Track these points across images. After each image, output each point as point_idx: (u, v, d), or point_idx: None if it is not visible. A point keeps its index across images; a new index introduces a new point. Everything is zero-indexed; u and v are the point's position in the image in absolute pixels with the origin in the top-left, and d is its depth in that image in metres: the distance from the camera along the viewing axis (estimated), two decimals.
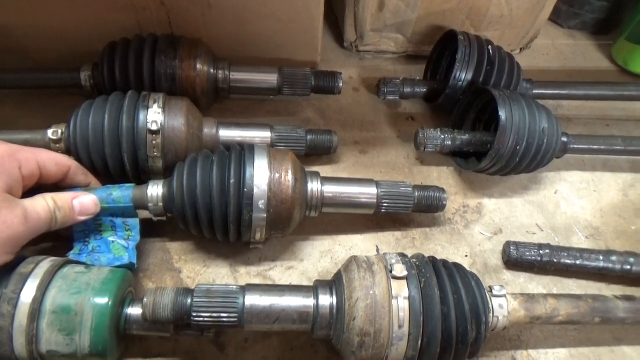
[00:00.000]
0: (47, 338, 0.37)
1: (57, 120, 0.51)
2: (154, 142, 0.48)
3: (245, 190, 0.44)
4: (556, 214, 0.57)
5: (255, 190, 0.44)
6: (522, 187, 0.59)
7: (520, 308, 0.42)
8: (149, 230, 0.49)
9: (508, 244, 0.51)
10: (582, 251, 0.51)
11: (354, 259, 0.41)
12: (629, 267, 0.49)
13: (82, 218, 0.44)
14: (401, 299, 0.38)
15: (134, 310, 0.41)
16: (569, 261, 0.50)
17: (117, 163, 0.49)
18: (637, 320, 0.44)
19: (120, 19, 0.58)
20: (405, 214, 0.53)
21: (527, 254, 0.50)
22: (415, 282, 0.39)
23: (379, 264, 0.40)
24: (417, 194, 0.51)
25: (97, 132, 0.48)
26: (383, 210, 0.51)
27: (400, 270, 0.39)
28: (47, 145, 0.50)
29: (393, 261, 0.40)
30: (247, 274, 0.50)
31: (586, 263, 0.50)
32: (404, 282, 0.39)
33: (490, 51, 0.59)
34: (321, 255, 0.52)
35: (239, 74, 0.59)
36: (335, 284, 0.41)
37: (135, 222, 0.48)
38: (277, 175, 0.45)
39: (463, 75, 0.58)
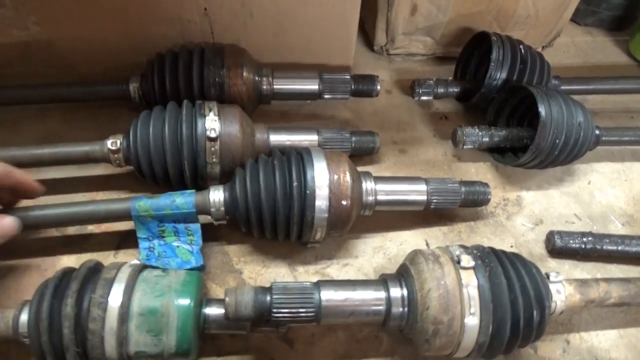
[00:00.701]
0: (136, 339, 0.39)
1: (103, 133, 0.52)
2: (212, 149, 0.50)
3: (308, 192, 0.46)
4: (592, 203, 0.60)
5: (317, 192, 0.46)
6: (557, 179, 0.62)
7: (576, 292, 0.45)
8: (206, 234, 0.51)
9: (552, 233, 0.54)
10: (622, 237, 0.53)
11: (419, 252, 0.43)
12: None
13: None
14: (471, 287, 0.40)
15: (211, 310, 0.43)
16: (611, 247, 0.53)
17: (176, 170, 0.51)
18: None
19: (166, 31, 0.60)
20: (452, 209, 0.55)
21: (571, 242, 0.53)
22: (482, 271, 0.41)
23: (444, 255, 0.42)
24: (463, 189, 0.53)
25: (157, 141, 0.50)
26: (432, 206, 0.53)
27: (467, 260, 0.41)
28: (106, 156, 0.52)
29: (458, 252, 0.42)
30: (306, 272, 0.52)
31: (627, 248, 0.53)
32: (472, 271, 0.41)
33: (522, 50, 0.62)
34: (374, 252, 0.54)
35: (281, 80, 0.61)
36: (403, 276, 0.43)
37: (196, 227, 0.50)
38: (335, 176, 0.47)
39: (498, 74, 0.61)
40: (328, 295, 0.41)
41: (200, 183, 0.53)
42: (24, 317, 0.40)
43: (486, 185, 0.55)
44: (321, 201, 0.46)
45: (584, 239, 0.53)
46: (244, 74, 0.58)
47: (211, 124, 0.50)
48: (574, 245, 0.53)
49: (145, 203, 0.48)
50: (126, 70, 0.62)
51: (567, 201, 0.60)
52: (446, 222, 0.57)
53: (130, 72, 0.62)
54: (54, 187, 0.55)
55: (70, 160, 0.52)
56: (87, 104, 0.63)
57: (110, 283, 0.40)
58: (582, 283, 0.45)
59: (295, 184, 0.46)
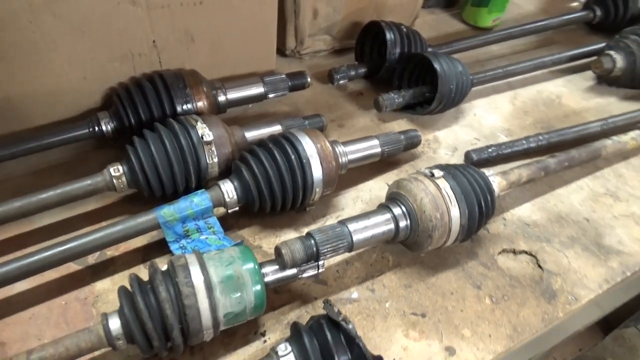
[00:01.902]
0: (223, 303, 0.46)
1: (73, 176, 0.57)
2: (210, 151, 0.59)
3: (304, 161, 0.58)
4: (482, 128, 0.81)
5: (311, 159, 0.58)
6: (454, 118, 0.82)
7: (502, 179, 0.63)
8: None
9: (468, 152, 0.73)
10: (513, 141, 0.74)
11: (401, 180, 0.58)
12: (544, 141, 0.74)
13: None
14: (447, 188, 0.55)
15: (266, 270, 0.51)
16: (507, 150, 0.73)
17: (183, 177, 0.58)
18: (561, 167, 0.69)
19: (119, 67, 0.66)
20: (398, 154, 0.71)
21: (483, 154, 0.72)
22: (449, 177, 0.57)
23: (419, 175, 0.58)
24: (402, 137, 0.70)
25: (161, 155, 0.57)
26: (385, 155, 0.68)
27: (437, 172, 0.57)
28: (109, 183, 0.57)
29: (428, 170, 0.58)
30: None
31: (517, 148, 0.74)
32: (443, 179, 0.56)
33: (404, 29, 0.81)
34: (354, 202, 0.67)
35: (232, 90, 0.70)
36: (396, 199, 0.57)
37: (214, 220, 0.58)
38: (319, 145, 0.60)
39: (395, 49, 0.79)
40: (353, 227, 0.53)
41: (203, 185, 0.60)
42: (114, 322, 0.44)
43: (416, 130, 0.72)
44: (315, 166, 0.58)
45: (490, 150, 0.72)
46: (204, 89, 0.66)
47: (203, 130, 0.59)
48: (486, 155, 0.72)
49: (168, 209, 0.55)
50: (82, 112, 0.67)
51: (466, 131, 0.80)
52: (394, 167, 0.72)
53: (87, 113, 0.66)
54: (54, 232, 0.58)
55: (76, 197, 0.56)
56: (48, 152, 0.65)
57: (185, 267, 0.47)
58: (503, 173, 0.64)
59: (293, 157, 0.57)
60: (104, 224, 0.59)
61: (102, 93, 0.67)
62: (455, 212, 0.55)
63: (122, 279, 0.55)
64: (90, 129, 0.63)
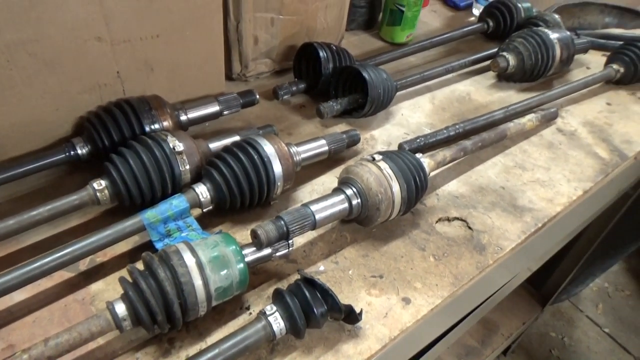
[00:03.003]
0: (213, 279, 0.54)
1: (50, 197, 0.62)
2: (182, 160, 0.67)
3: (266, 159, 0.67)
4: (409, 124, 0.94)
5: (271, 158, 0.67)
6: (385, 119, 0.95)
7: (431, 160, 0.76)
8: None
9: (401, 144, 0.85)
10: (436, 132, 0.88)
11: (348, 166, 0.69)
12: (460, 129, 0.88)
13: None
14: (387, 168, 0.67)
15: (245, 252, 0.60)
16: (434, 139, 0.87)
17: (159, 185, 0.66)
18: (476, 147, 0.83)
19: (88, 98, 0.72)
20: (342, 151, 0.82)
21: (413, 144, 0.85)
22: (388, 160, 0.68)
23: (363, 161, 0.69)
24: (344, 136, 0.81)
25: (139, 167, 0.64)
26: (332, 153, 0.79)
27: (377, 156, 0.68)
28: (93, 197, 0.63)
29: (370, 156, 0.69)
30: None
31: (440, 137, 0.88)
32: (382, 161, 0.68)
33: (334, 47, 0.94)
34: (310, 194, 0.77)
35: (191, 110, 0.79)
36: (347, 181, 0.68)
37: (192, 219, 0.66)
38: (276, 146, 0.69)
39: (328, 65, 0.91)
40: (315, 207, 0.63)
41: (178, 191, 0.68)
42: (120, 307, 0.51)
43: (356, 130, 0.84)
44: (275, 163, 0.68)
45: (418, 140, 0.86)
46: (168, 110, 0.75)
47: (173, 143, 0.67)
48: (415, 145, 0.85)
49: (151, 212, 0.62)
50: (53, 142, 0.73)
51: (396, 128, 0.93)
52: (340, 162, 0.83)
53: (56, 143, 0.73)
54: (43, 248, 0.63)
55: (64, 212, 0.62)
56: (25, 180, 0.70)
57: (177, 252, 0.54)
58: (431, 155, 0.77)
59: (255, 157, 0.67)
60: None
61: (72, 122, 0.73)
62: (396, 187, 0.67)
63: (113, 279, 0.61)
64: (67, 154, 0.69)
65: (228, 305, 0.59)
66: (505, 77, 1.11)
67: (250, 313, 0.60)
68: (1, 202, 0.69)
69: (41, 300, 0.58)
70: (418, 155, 0.75)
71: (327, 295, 0.54)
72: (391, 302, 0.63)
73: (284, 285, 0.63)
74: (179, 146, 0.67)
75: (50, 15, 0.63)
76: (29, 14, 0.61)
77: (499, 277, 0.81)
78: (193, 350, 0.55)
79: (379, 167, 0.67)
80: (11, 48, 0.62)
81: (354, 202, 0.66)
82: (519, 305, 1.65)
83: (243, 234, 0.69)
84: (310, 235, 0.70)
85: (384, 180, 0.66)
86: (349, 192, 0.66)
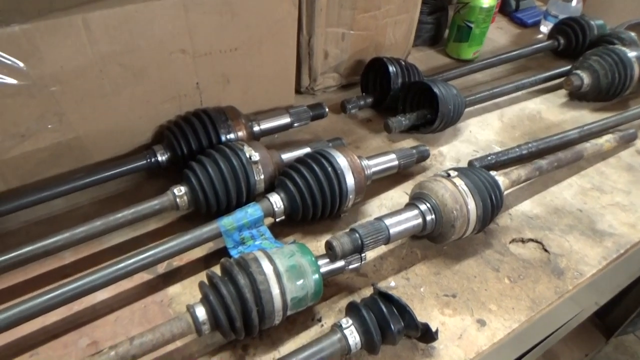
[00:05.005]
0: (290, 288, 0.54)
1: (129, 202, 0.64)
2: (257, 169, 0.68)
3: (339, 172, 0.67)
4: (478, 142, 0.92)
5: (344, 171, 0.68)
6: (453, 135, 0.94)
7: (505, 179, 0.74)
8: None
9: (471, 161, 0.83)
10: (508, 150, 0.86)
11: (421, 182, 0.68)
12: (533, 148, 0.85)
13: None
14: (462, 185, 0.65)
15: (319, 262, 0.60)
16: (505, 157, 0.84)
17: (235, 193, 0.67)
18: (551, 167, 0.80)
19: (169, 108, 0.76)
20: (411, 166, 0.81)
21: (484, 161, 0.83)
22: (463, 176, 0.67)
23: (437, 177, 0.68)
24: (414, 151, 0.80)
25: (217, 175, 0.66)
26: (402, 168, 0.78)
27: (453, 172, 0.67)
28: (173, 202, 0.66)
29: (444, 172, 0.68)
30: None
31: (512, 155, 0.85)
32: (458, 177, 0.66)
33: (403, 63, 0.94)
34: (379, 209, 0.76)
35: (264, 121, 0.81)
36: (420, 197, 0.67)
37: (265, 228, 0.67)
38: (349, 159, 0.69)
39: (398, 80, 0.91)
40: (389, 222, 0.62)
41: (251, 200, 0.69)
42: (200, 310, 0.52)
43: (425, 145, 0.83)
44: (348, 176, 0.68)
45: (489, 157, 0.83)
46: (243, 121, 0.77)
47: (250, 152, 0.68)
48: (486, 162, 0.83)
49: (227, 219, 0.64)
50: (134, 149, 0.76)
51: (465, 145, 0.91)
52: (409, 178, 0.82)
53: (136, 150, 0.76)
54: (123, 250, 0.66)
55: (146, 216, 0.64)
56: (108, 184, 0.73)
57: (256, 260, 0.55)
58: (505, 173, 0.75)
59: (329, 169, 0.67)
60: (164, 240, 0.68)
61: (153, 130, 0.76)
62: (471, 205, 0.65)
63: (190, 283, 0.63)
64: (147, 160, 0.72)
65: (300, 316, 0.59)
66: (577, 96, 1.06)
67: (322, 325, 0.59)
68: (85, 204, 0.73)
69: (122, 300, 0.60)
70: (493, 173, 0.73)
71: (404, 311, 0.53)
72: (465, 323, 0.61)
73: (355, 298, 0.62)
74: (255, 156, 0.68)
75: (141, 28, 0.66)
76: (122, 27, 0.65)
77: (575, 304, 0.77)
78: (266, 358, 0.55)
79: (454, 184, 0.66)
80: (105, 59, 0.65)
81: (428, 217, 0.65)
82: (582, 336, 1.56)
83: (313, 245, 0.69)
84: (381, 249, 0.69)
85: (460, 197, 0.64)
86: (423, 207, 0.65)
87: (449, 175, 0.67)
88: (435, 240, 0.68)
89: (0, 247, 0.58)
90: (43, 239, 0.59)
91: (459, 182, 0.66)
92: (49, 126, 0.67)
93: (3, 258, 0.56)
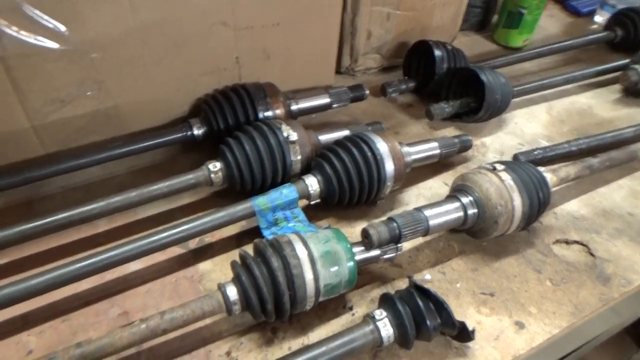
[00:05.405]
0: (323, 275, 0.53)
1: (164, 174, 0.64)
2: (294, 150, 0.66)
3: (378, 157, 0.65)
4: (524, 135, 0.88)
5: (384, 156, 0.65)
6: (497, 126, 0.89)
7: (553, 176, 0.70)
8: None
9: (516, 155, 0.79)
10: (556, 145, 0.81)
11: (464, 174, 0.65)
12: (584, 145, 0.81)
13: None
14: (509, 180, 0.62)
15: (354, 250, 0.58)
16: (553, 152, 0.80)
17: (271, 172, 0.66)
18: (603, 167, 0.76)
19: (208, 81, 0.74)
20: (452, 156, 0.78)
21: (530, 156, 0.79)
22: (510, 170, 0.63)
23: (482, 169, 0.64)
24: (456, 140, 0.77)
25: (254, 153, 0.64)
26: (442, 157, 0.75)
27: (499, 167, 0.64)
28: (207, 177, 0.64)
29: (490, 165, 0.65)
30: None
31: (560, 151, 0.81)
32: (504, 172, 0.63)
33: (449, 47, 0.90)
34: (416, 198, 0.74)
35: (302, 100, 0.79)
36: (462, 189, 0.63)
37: (299, 210, 0.65)
38: (390, 144, 0.67)
39: (443, 65, 0.87)
40: (428, 213, 0.60)
41: (286, 181, 0.67)
42: (231, 290, 0.51)
43: (467, 135, 0.79)
44: (388, 162, 0.65)
45: (536, 152, 0.79)
46: (281, 99, 0.74)
47: (288, 132, 0.66)
48: (532, 157, 0.79)
49: (262, 199, 0.62)
50: (170, 121, 0.75)
51: (510, 137, 0.87)
52: (449, 168, 0.79)
53: (173, 122, 0.75)
54: (155, 222, 0.65)
55: (180, 189, 0.63)
56: (143, 154, 0.72)
57: (290, 243, 0.53)
58: (554, 170, 0.71)
59: (369, 154, 0.65)
60: (198, 215, 0.67)
61: (190, 103, 0.75)
62: (517, 201, 0.61)
63: (221, 261, 0.62)
64: (184, 133, 0.71)
65: (331, 303, 0.58)
66: (633, 93, 1.00)
67: (353, 314, 0.58)
68: (120, 173, 0.72)
69: (154, 272, 0.60)
70: (540, 168, 0.69)
71: (441, 308, 0.51)
72: (503, 324, 0.58)
73: (388, 289, 0.60)
74: (293, 135, 0.66)
75: None
76: None
77: (617, 314, 0.73)
78: (295, 343, 0.54)
79: (500, 178, 0.62)
80: (147, 27, 0.64)
81: (470, 211, 0.62)
82: (613, 342, 1.50)
83: (347, 231, 0.67)
84: (417, 240, 0.66)
85: (505, 192, 0.61)
86: (465, 200, 0.62)
87: (494, 168, 0.64)
88: (475, 235, 0.66)
89: (37, 211, 0.58)
90: (79, 206, 0.59)
91: (505, 176, 0.62)
92: (88, 93, 0.66)
93: (40, 222, 0.57)
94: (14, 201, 0.66)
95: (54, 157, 0.68)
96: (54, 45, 0.61)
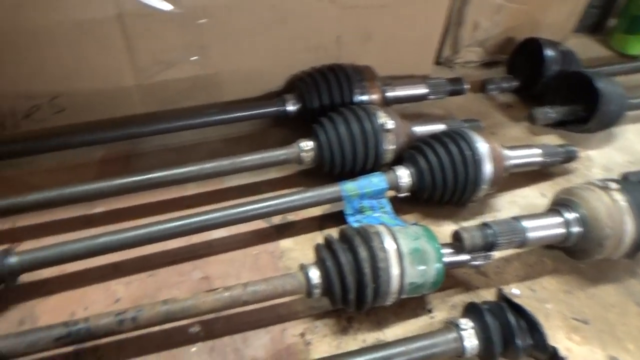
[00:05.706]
0: (410, 272, 0.50)
1: (255, 146, 0.65)
2: (389, 138, 0.64)
3: (477, 158, 0.61)
4: (635, 152, 0.79)
5: (484, 157, 0.61)
6: (606, 140, 0.82)
7: None
8: None
9: (627, 174, 0.70)
10: None
11: (571, 187, 0.60)
12: None
13: None
14: (622, 201, 0.56)
15: (443, 251, 0.55)
16: None
17: (362, 159, 0.64)
18: None
19: (306, 57, 0.73)
20: (554, 166, 0.72)
21: None
22: (625, 192, 0.57)
23: (591, 185, 0.59)
24: (561, 150, 0.71)
25: (347, 137, 0.63)
26: (543, 166, 0.70)
27: (614, 185, 0.58)
28: (298, 155, 0.64)
29: (601, 182, 0.59)
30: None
31: None
32: (618, 192, 0.57)
33: (560, 47, 0.83)
34: (509, 205, 0.69)
35: (399, 87, 0.76)
36: (565, 203, 0.58)
37: (385, 201, 0.63)
38: (491, 145, 0.63)
39: (553, 66, 0.81)
40: (528, 224, 0.56)
41: (376, 169, 0.65)
42: (314, 273, 0.50)
43: (573, 145, 0.73)
44: (487, 164, 0.61)
45: None
46: (377, 84, 0.72)
47: (384, 119, 0.64)
48: None
49: (351, 184, 0.60)
50: (264, 94, 0.75)
51: (619, 154, 0.79)
52: (548, 178, 0.74)
53: (266, 95, 0.74)
54: (241, 192, 0.66)
55: (270, 164, 0.63)
56: (236, 124, 0.73)
57: (379, 235, 0.51)
58: None
59: (467, 153, 0.61)
60: (283, 191, 0.66)
61: (286, 79, 0.74)
62: (629, 226, 0.56)
63: (303, 240, 0.61)
64: (277, 108, 0.71)
65: (411, 302, 0.56)
66: None
67: (432, 317, 0.55)
68: (212, 140, 0.73)
69: (237, 242, 0.60)
70: None
71: (535, 328, 0.47)
72: (595, 356, 0.53)
73: (472, 297, 0.57)
74: (390, 124, 0.64)
75: None
76: None
77: None
78: (370, 336, 0.53)
79: (612, 197, 0.57)
80: None
81: (574, 229, 0.57)
82: None
83: (434, 230, 0.64)
84: (507, 251, 0.62)
85: (616, 214, 0.56)
86: (568, 216, 0.57)
87: (607, 186, 0.58)
88: (574, 255, 0.60)
89: (134, 166, 0.60)
90: (174, 167, 0.60)
91: (618, 196, 0.57)
92: (192, 58, 0.67)
93: (138, 179, 0.58)
94: (113, 154, 0.69)
95: (152, 117, 0.70)
96: (167, 6, 0.62)
